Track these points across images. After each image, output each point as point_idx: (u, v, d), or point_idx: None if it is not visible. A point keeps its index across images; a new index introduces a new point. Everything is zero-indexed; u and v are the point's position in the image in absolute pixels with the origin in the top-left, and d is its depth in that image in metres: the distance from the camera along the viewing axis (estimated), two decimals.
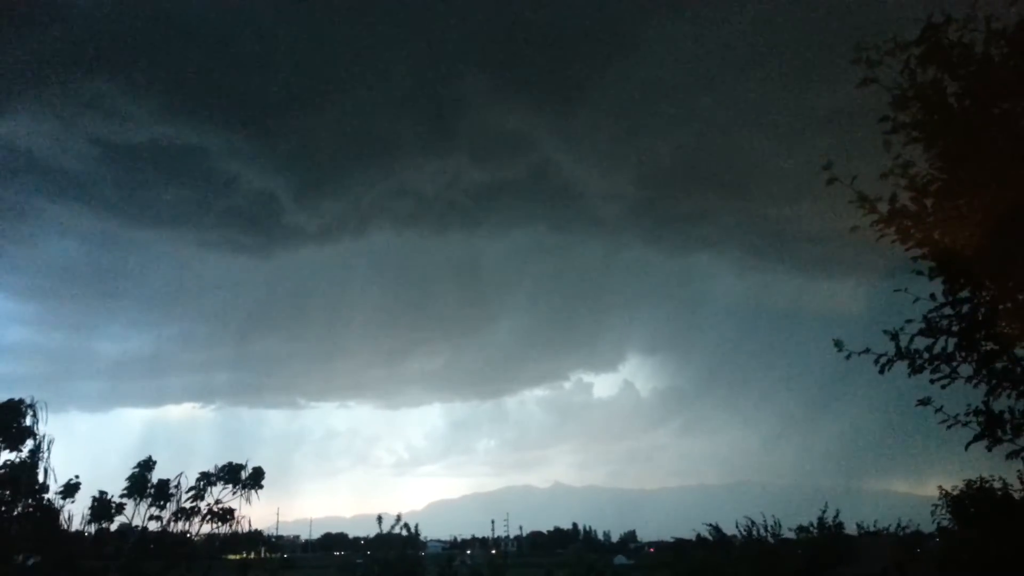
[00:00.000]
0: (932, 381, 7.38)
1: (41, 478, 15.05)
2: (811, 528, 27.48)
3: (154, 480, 16.76)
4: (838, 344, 7.67)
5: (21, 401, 15.22)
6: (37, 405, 15.32)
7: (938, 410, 7.46)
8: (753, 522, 28.07)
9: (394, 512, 24.97)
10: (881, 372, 7.50)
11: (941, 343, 7.27)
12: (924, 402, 7.55)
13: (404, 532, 23.91)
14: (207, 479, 17.72)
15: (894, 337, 7.43)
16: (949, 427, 7.37)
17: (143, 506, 17.02)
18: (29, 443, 15.07)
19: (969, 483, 17.58)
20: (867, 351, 7.62)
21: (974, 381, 7.18)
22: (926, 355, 7.37)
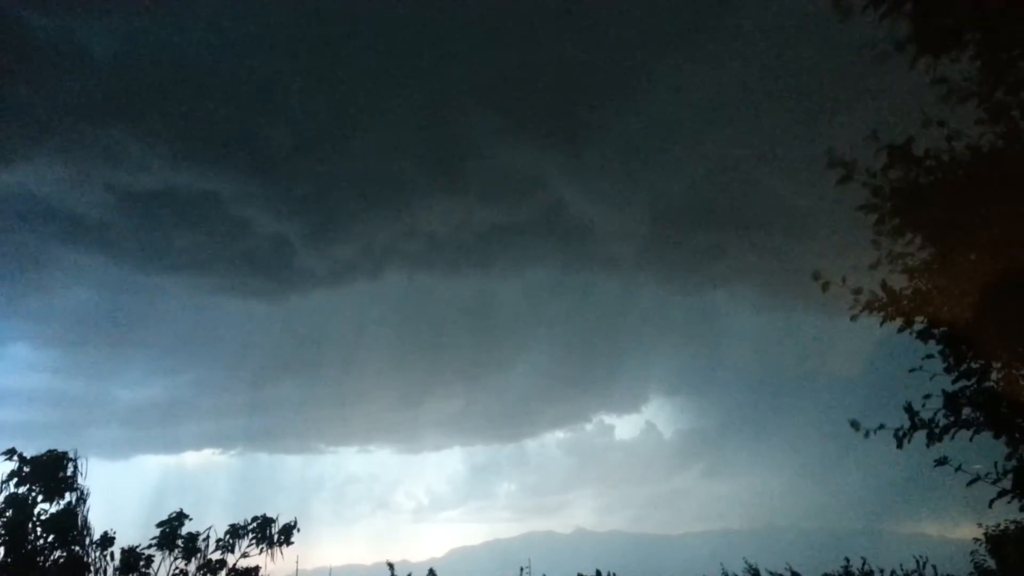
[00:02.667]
0: (952, 438, 7.42)
1: (80, 529, 15.33)
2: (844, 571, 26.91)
3: (183, 532, 16.90)
4: (854, 425, 7.75)
5: (64, 453, 15.67)
6: (79, 458, 15.74)
7: (958, 468, 7.52)
8: (783, 572, 27.61)
9: (414, 559, 24.64)
10: (899, 447, 7.56)
11: (966, 413, 7.35)
12: (941, 462, 7.60)
13: None
14: (235, 532, 17.77)
15: (908, 410, 7.53)
16: (970, 483, 7.40)
17: (170, 559, 17.13)
18: (67, 494, 15.46)
19: (1009, 523, 17.19)
20: (882, 426, 7.70)
21: (999, 440, 7.23)
22: (942, 424, 7.44)
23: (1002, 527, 17.56)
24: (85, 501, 15.51)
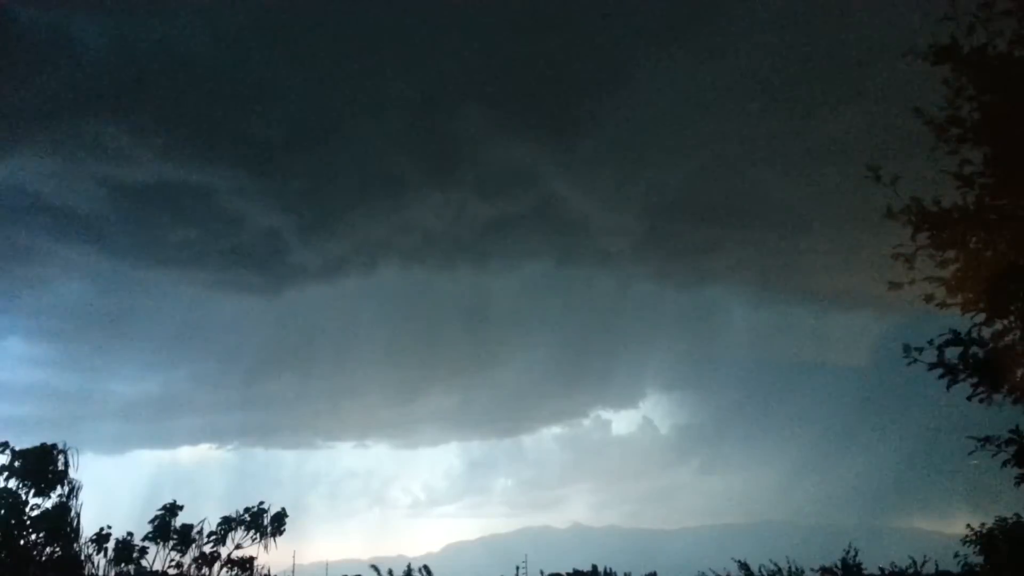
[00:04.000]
0: (969, 398, 7.36)
1: (73, 524, 15.05)
2: (836, 569, 27.01)
3: (177, 524, 16.81)
4: (907, 349, 7.65)
5: (54, 446, 15.26)
6: (69, 450, 15.41)
7: (982, 440, 7.44)
8: (778, 566, 27.72)
9: (410, 554, 24.62)
10: (948, 388, 7.47)
11: (974, 351, 7.29)
12: (986, 439, 7.51)
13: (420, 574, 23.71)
14: (228, 524, 17.71)
15: (913, 350, 7.45)
16: (994, 455, 7.34)
17: (165, 550, 17.05)
18: (59, 488, 15.15)
19: (1001, 520, 17.02)
20: (935, 366, 7.56)
21: (1011, 399, 7.15)
22: (960, 366, 7.38)
23: (989, 526, 17.38)
24: (77, 495, 15.20)
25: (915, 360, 7.75)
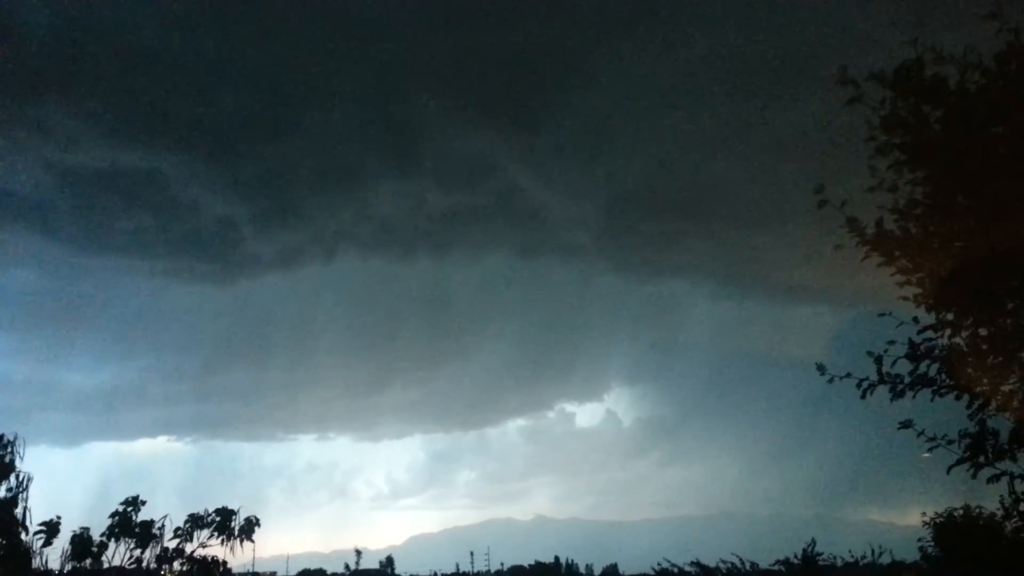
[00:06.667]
0: (915, 396, 7.48)
1: (20, 516, 14.63)
2: (794, 559, 27.53)
3: (138, 519, 16.48)
4: (820, 368, 7.72)
5: (1, 436, 14.78)
6: (17, 441, 14.93)
7: (920, 433, 7.55)
8: (736, 563, 28.24)
9: (373, 547, 24.47)
10: (863, 397, 7.59)
11: (924, 367, 7.40)
12: (906, 424, 7.62)
13: (382, 567, 23.68)
14: (196, 522, 17.44)
15: (877, 360, 7.51)
16: (931, 449, 7.48)
17: (124, 546, 16.71)
18: (7, 481, 14.68)
19: (952, 511, 17.60)
20: (848, 375, 7.71)
21: (960, 401, 7.28)
22: (907, 380, 7.49)
23: (945, 514, 17.98)
24: (27, 487, 14.71)
25: (832, 379, 7.87)
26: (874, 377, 7.55)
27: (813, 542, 27.72)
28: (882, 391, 7.57)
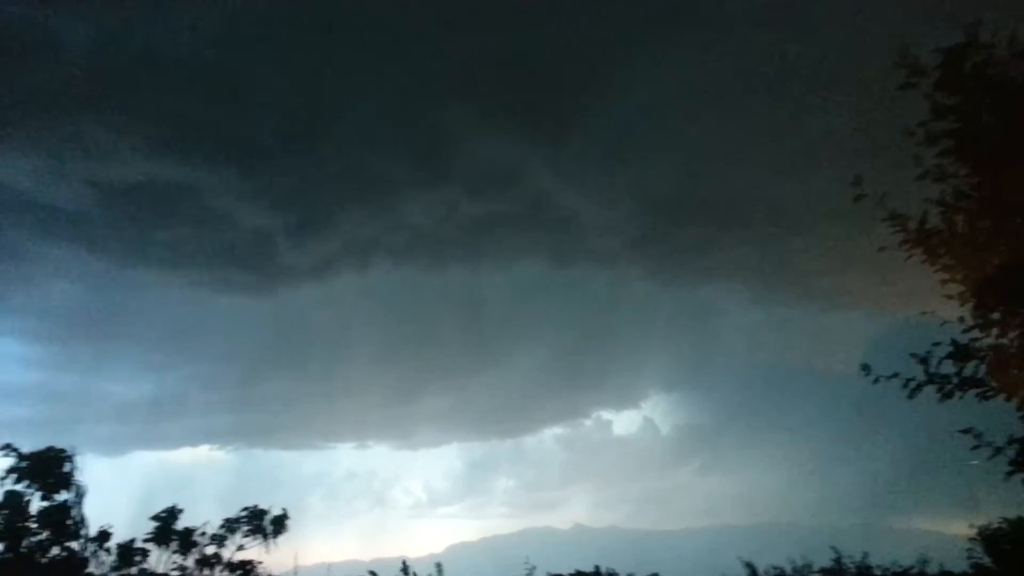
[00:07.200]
0: (962, 397, 7.27)
1: (77, 525, 15.26)
2: (842, 569, 27.08)
3: (179, 527, 16.88)
4: (865, 368, 7.51)
5: (61, 450, 15.53)
6: (75, 454, 15.66)
7: (978, 435, 7.31)
8: (783, 568, 27.86)
9: (412, 555, 24.46)
10: (910, 397, 7.39)
11: (972, 368, 7.17)
12: (968, 431, 7.37)
13: None
14: (229, 525, 17.78)
15: (923, 361, 7.32)
16: (990, 458, 7.24)
17: (167, 552, 17.12)
18: (64, 492, 15.34)
19: (1004, 520, 17.11)
20: (896, 375, 7.49)
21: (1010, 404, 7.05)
22: (955, 380, 7.27)
23: (995, 525, 17.50)
24: (82, 498, 15.43)
25: (878, 379, 7.67)
26: (921, 377, 7.36)
27: (864, 554, 27.26)
28: (929, 393, 7.38)
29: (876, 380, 7.65)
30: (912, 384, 7.45)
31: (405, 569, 22.93)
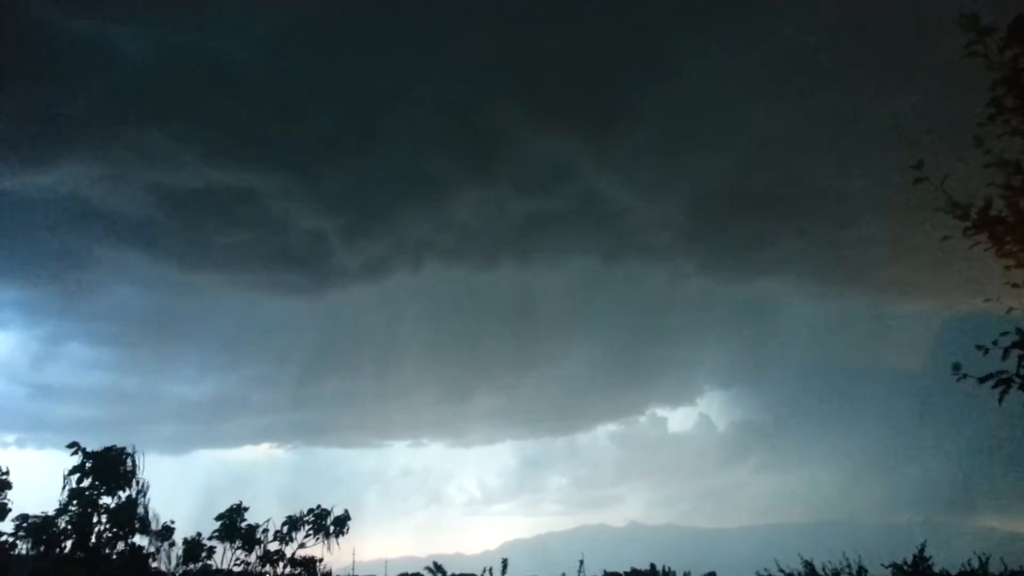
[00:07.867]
0: None
1: (143, 520, 15.88)
2: (904, 566, 26.43)
3: (243, 524, 17.37)
4: (956, 367, 7.18)
5: (123, 449, 16.17)
6: (136, 453, 16.28)
7: None
8: (842, 565, 27.33)
9: (468, 552, 24.44)
10: (1000, 402, 7.04)
11: None
12: None
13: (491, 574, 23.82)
14: (292, 524, 18.25)
15: (1020, 359, 6.95)
16: None
17: (231, 549, 17.62)
18: (128, 489, 15.95)
19: None
20: (990, 376, 7.11)
21: None
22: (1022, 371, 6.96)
23: None
24: (145, 494, 16.01)
25: (964, 376, 7.34)
26: (1013, 372, 7.01)
27: (923, 545, 26.56)
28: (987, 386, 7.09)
29: (961, 377, 7.28)
30: (1001, 387, 7.07)
31: (438, 568, 22.98)
